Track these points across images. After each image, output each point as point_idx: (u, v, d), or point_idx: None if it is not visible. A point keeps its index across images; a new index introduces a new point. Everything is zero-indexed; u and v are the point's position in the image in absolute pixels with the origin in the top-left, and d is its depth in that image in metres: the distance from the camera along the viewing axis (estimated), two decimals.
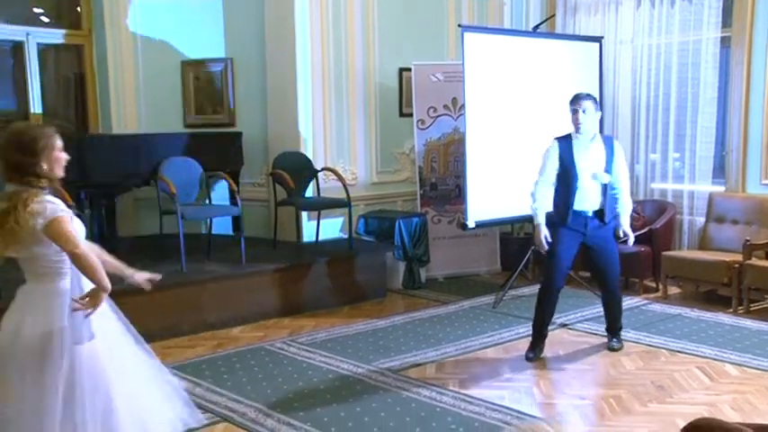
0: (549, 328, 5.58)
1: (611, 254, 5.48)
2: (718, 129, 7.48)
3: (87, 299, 3.05)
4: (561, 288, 5.49)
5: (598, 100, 5.62)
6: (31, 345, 3.00)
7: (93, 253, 3.11)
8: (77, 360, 3.04)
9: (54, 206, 2.99)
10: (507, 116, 7.12)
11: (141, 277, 3.57)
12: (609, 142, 5.43)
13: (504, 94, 7.13)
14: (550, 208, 5.42)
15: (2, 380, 3.03)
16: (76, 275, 3.08)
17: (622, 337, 5.73)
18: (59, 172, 3.09)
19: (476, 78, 6.93)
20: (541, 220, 5.35)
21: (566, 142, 5.36)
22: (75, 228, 3.05)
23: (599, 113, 5.41)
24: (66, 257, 3.03)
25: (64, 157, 3.11)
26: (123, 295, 5.75)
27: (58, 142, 3.09)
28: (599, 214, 5.36)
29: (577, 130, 5.30)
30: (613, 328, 5.69)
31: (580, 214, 5.34)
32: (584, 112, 5.24)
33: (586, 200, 5.33)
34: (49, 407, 2.96)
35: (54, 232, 2.96)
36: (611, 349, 5.59)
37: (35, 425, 2.97)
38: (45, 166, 3.02)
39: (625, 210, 5.50)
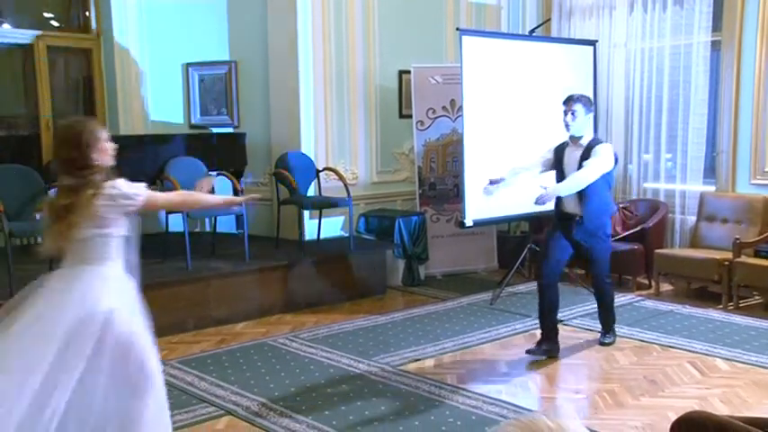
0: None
1: (595, 251, 5.50)
2: (708, 130, 7.57)
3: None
4: (551, 282, 5.46)
5: (592, 100, 5.60)
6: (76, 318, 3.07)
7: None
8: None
9: (129, 188, 3.24)
10: (504, 117, 7.16)
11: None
12: (592, 146, 5.33)
13: (501, 96, 7.18)
14: (520, 172, 5.73)
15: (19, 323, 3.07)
16: (123, 260, 3.28)
17: (617, 333, 5.80)
18: (108, 161, 3.27)
19: (474, 80, 6.98)
20: (504, 174, 5.71)
21: (565, 143, 5.49)
22: (151, 192, 3.38)
23: (590, 116, 5.41)
24: (115, 242, 3.23)
25: (111, 146, 3.30)
26: None
27: (103, 134, 3.29)
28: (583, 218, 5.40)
29: (566, 129, 5.37)
30: (603, 325, 5.81)
31: (566, 216, 5.45)
32: (573, 113, 5.30)
33: (567, 203, 5.44)
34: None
35: (154, 204, 3.46)
36: (602, 344, 5.69)
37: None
38: (94, 157, 3.20)
39: (560, 185, 5.35)
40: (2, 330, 3.06)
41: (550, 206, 5.52)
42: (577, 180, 5.22)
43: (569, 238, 5.46)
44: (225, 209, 3.92)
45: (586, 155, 5.27)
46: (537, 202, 5.21)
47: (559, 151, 5.50)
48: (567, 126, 5.34)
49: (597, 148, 5.26)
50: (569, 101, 5.35)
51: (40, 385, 2.93)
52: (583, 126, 5.35)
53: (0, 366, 2.99)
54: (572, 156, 5.37)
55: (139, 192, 3.27)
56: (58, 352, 2.99)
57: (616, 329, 5.83)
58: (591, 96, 7.68)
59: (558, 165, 5.49)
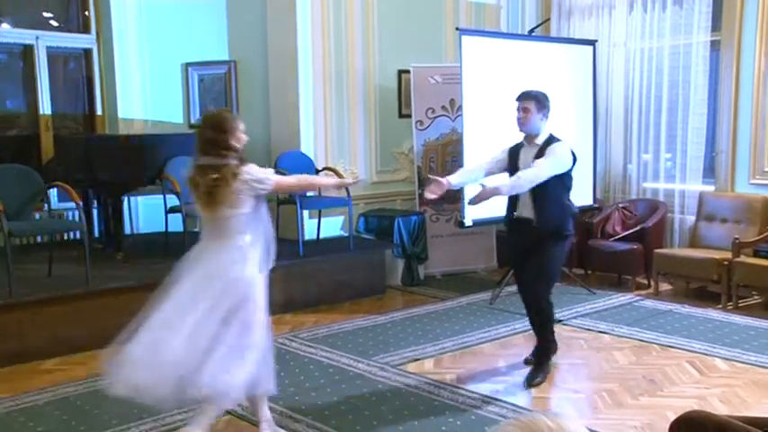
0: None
1: (536, 263, 4.98)
2: (708, 130, 7.59)
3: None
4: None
5: (548, 98, 5.02)
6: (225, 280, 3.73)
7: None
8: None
9: (261, 173, 3.76)
10: (503, 117, 7.06)
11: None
12: (548, 145, 4.90)
13: (501, 96, 7.08)
14: (468, 177, 5.20)
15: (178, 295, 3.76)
16: (254, 232, 3.82)
17: (616, 332, 5.78)
18: (242, 149, 3.80)
19: (473, 80, 7.00)
20: (451, 178, 5.07)
21: (521, 143, 5.09)
22: (277, 176, 3.95)
23: (544, 113, 4.95)
24: (244, 219, 3.74)
25: (245, 137, 3.83)
26: (127, 292, 5.95)
27: (242, 125, 3.83)
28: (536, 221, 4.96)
29: (519, 128, 4.99)
30: (537, 353, 5.22)
31: (520, 221, 5.02)
32: (525, 111, 4.91)
33: (522, 207, 4.99)
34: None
35: (284, 187, 4.00)
36: (529, 384, 4.96)
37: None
38: (233, 142, 3.73)
39: (501, 184, 4.83)
40: (166, 295, 3.76)
41: (493, 208, 5.17)
42: (522, 180, 4.78)
43: (524, 245, 5.06)
44: (336, 189, 4.61)
45: (541, 154, 4.85)
46: (470, 202, 4.88)
47: (514, 151, 5.08)
48: (518, 124, 4.97)
49: (552, 147, 4.85)
50: (522, 98, 4.97)
51: (187, 329, 3.65)
52: (536, 124, 4.92)
53: (162, 318, 3.70)
54: (527, 155, 4.95)
55: (269, 177, 3.79)
56: (196, 309, 3.69)
57: (619, 329, 5.78)
58: (591, 97, 7.80)
59: (512, 166, 5.02)
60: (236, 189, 3.66)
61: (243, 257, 3.76)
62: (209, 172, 3.70)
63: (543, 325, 5.15)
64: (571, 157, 4.92)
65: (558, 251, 5.00)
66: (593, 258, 7.67)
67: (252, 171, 3.72)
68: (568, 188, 4.99)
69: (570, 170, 4.93)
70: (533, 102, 4.92)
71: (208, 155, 3.74)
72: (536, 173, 4.76)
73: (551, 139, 4.93)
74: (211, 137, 3.74)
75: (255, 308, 3.81)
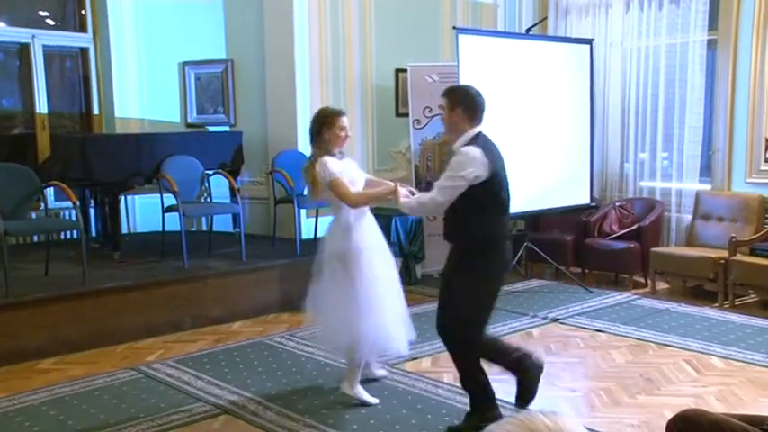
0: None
1: (442, 290, 4.43)
2: (704, 129, 7.59)
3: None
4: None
5: (468, 93, 4.12)
6: (335, 254, 4.34)
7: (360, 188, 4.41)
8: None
9: (328, 170, 4.16)
10: (500, 116, 7.08)
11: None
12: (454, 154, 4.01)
13: (498, 95, 7.08)
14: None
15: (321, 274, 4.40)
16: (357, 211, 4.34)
17: (612, 331, 5.80)
18: (336, 144, 4.29)
19: (470, 79, 6.89)
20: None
21: None
22: (345, 183, 4.21)
23: (462, 111, 4.00)
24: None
25: (343, 135, 4.29)
26: (124, 291, 5.96)
27: (342, 123, 4.28)
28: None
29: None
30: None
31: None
32: (441, 109, 4.24)
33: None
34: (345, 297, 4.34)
35: (333, 190, 4.18)
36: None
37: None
38: (325, 136, 4.23)
39: (407, 201, 4.24)
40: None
41: None
42: (417, 208, 4.37)
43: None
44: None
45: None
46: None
47: None
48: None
49: (457, 155, 3.95)
50: (442, 95, 4.21)
51: (330, 306, 4.44)
52: (454, 126, 4.05)
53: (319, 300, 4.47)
54: None
55: (328, 176, 4.16)
56: (330, 287, 4.39)
57: (614, 328, 5.76)
58: (588, 96, 7.79)
59: None
60: (316, 177, 4.18)
61: (348, 232, 4.28)
62: (310, 161, 4.29)
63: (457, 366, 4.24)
64: (479, 168, 3.86)
65: (453, 286, 4.27)
66: (590, 257, 7.68)
67: (324, 162, 4.18)
68: (493, 205, 4.10)
69: (488, 183, 3.91)
70: (446, 98, 4.09)
71: (311, 145, 4.34)
72: (425, 201, 4.16)
73: (461, 145, 3.98)
74: (312, 130, 4.31)
75: (361, 275, 4.32)
